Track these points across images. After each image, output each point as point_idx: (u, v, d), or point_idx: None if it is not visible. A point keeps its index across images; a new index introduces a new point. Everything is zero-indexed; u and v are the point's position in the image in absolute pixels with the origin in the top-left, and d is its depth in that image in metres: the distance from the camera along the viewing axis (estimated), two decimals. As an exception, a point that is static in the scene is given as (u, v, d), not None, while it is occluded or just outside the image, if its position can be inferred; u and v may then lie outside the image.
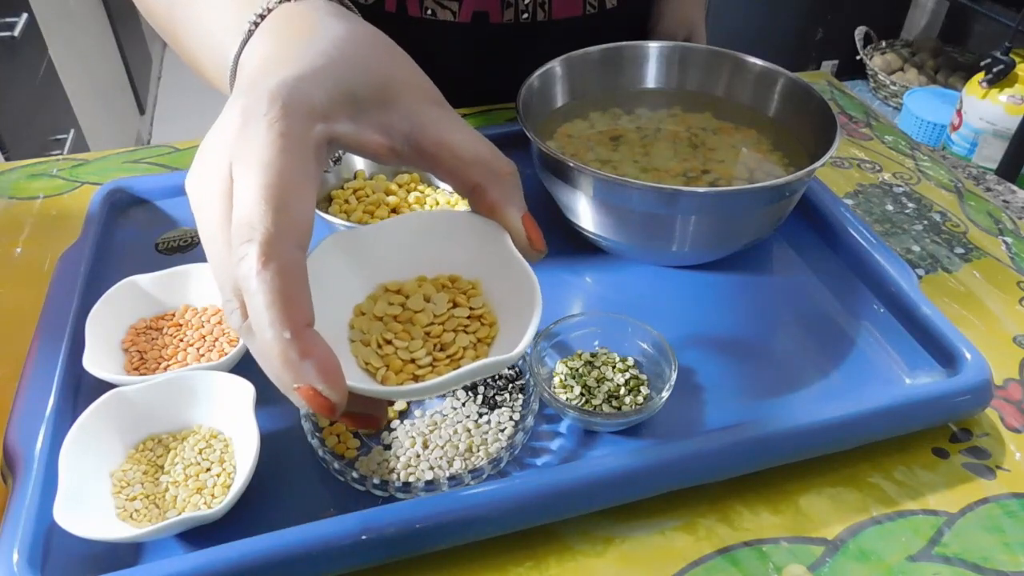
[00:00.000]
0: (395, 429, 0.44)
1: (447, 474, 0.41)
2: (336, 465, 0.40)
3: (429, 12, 0.68)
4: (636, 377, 0.46)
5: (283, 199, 0.28)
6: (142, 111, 2.32)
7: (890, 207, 0.64)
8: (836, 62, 2.62)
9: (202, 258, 0.54)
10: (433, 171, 0.35)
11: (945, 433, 0.46)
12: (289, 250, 0.28)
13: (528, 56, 0.61)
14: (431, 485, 0.40)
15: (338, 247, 0.37)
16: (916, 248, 0.60)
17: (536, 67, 0.59)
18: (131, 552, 0.38)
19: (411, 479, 0.40)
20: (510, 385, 0.45)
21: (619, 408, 0.44)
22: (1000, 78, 1.92)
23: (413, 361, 0.35)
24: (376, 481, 0.40)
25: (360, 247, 0.38)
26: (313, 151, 0.30)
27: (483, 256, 0.37)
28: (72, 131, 1.50)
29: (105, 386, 0.42)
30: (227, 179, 0.29)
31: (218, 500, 0.39)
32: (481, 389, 0.45)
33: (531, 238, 0.36)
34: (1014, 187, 1.16)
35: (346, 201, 0.55)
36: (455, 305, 0.37)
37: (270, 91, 0.30)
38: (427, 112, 0.35)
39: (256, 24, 0.37)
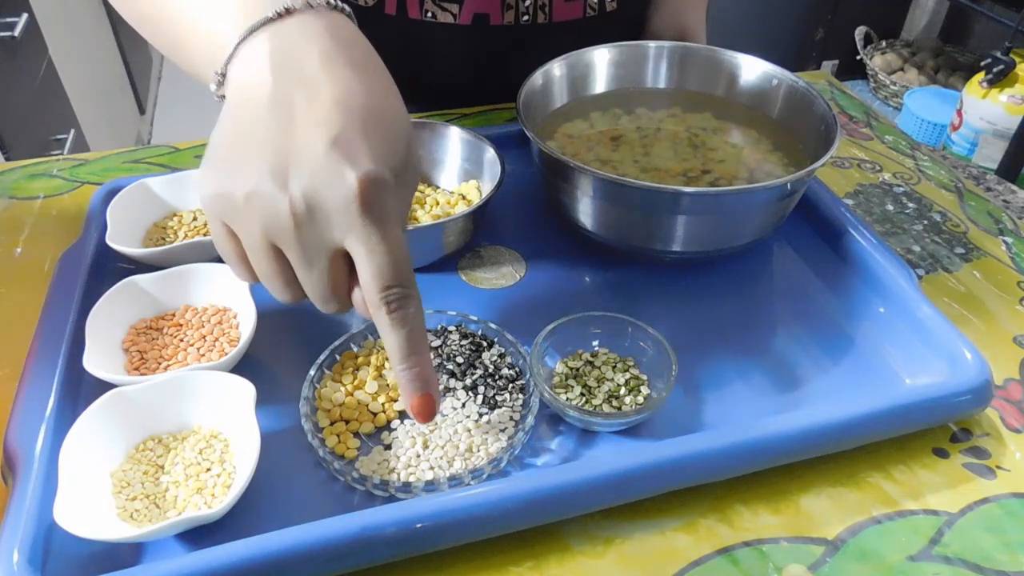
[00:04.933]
0: (395, 429, 0.44)
1: (447, 474, 0.41)
2: (336, 465, 0.40)
3: (429, 15, 0.68)
4: (636, 377, 0.46)
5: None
6: (142, 111, 2.32)
7: (890, 207, 0.64)
8: (836, 62, 2.62)
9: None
10: None
11: (945, 433, 0.46)
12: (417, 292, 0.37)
13: (528, 58, 0.61)
14: (431, 485, 0.40)
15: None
16: (916, 248, 0.59)
17: (536, 69, 0.59)
18: (131, 552, 0.38)
19: (411, 479, 0.40)
20: (510, 385, 0.45)
21: (619, 408, 0.44)
22: (1000, 78, 1.92)
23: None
24: (376, 481, 0.40)
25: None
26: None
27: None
28: (72, 131, 1.50)
29: (105, 386, 0.42)
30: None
31: (218, 500, 0.39)
32: (481, 389, 0.45)
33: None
34: (1014, 187, 1.16)
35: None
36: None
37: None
38: None
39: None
